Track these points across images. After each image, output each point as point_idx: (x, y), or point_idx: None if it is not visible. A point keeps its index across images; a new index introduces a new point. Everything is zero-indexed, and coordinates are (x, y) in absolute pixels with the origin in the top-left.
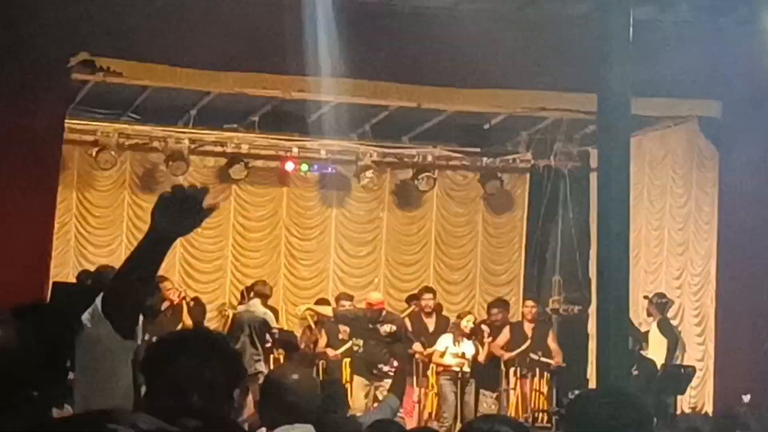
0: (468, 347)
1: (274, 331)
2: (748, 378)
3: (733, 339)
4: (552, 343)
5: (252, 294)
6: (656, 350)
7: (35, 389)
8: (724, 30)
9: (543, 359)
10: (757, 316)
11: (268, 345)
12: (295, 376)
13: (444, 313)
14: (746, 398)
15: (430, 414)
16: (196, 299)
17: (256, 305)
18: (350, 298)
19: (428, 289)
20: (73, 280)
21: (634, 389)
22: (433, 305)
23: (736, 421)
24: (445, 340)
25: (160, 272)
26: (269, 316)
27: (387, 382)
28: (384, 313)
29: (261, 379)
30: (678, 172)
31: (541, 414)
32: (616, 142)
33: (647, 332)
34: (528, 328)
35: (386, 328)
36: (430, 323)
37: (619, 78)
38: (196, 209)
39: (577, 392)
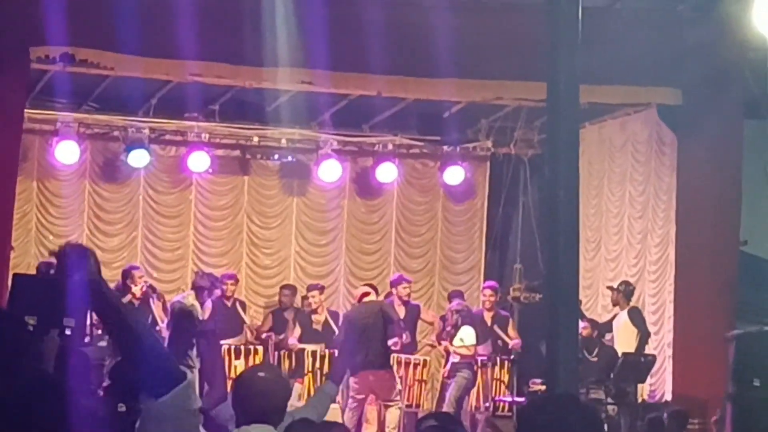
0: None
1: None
2: (707, 366)
3: (692, 327)
4: (511, 330)
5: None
6: (625, 339)
7: None
8: (683, 17)
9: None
10: (715, 303)
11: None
12: (264, 376)
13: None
14: None
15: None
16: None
17: (187, 298)
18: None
19: (404, 278)
20: (34, 271)
21: (595, 376)
22: (408, 294)
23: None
24: (470, 331)
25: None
26: (195, 309)
27: None
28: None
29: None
30: (638, 159)
31: (502, 403)
32: (565, 131)
33: (609, 321)
34: (487, 316)
35: None
36: (401, 311)
37: (567, 67)
38: None
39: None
